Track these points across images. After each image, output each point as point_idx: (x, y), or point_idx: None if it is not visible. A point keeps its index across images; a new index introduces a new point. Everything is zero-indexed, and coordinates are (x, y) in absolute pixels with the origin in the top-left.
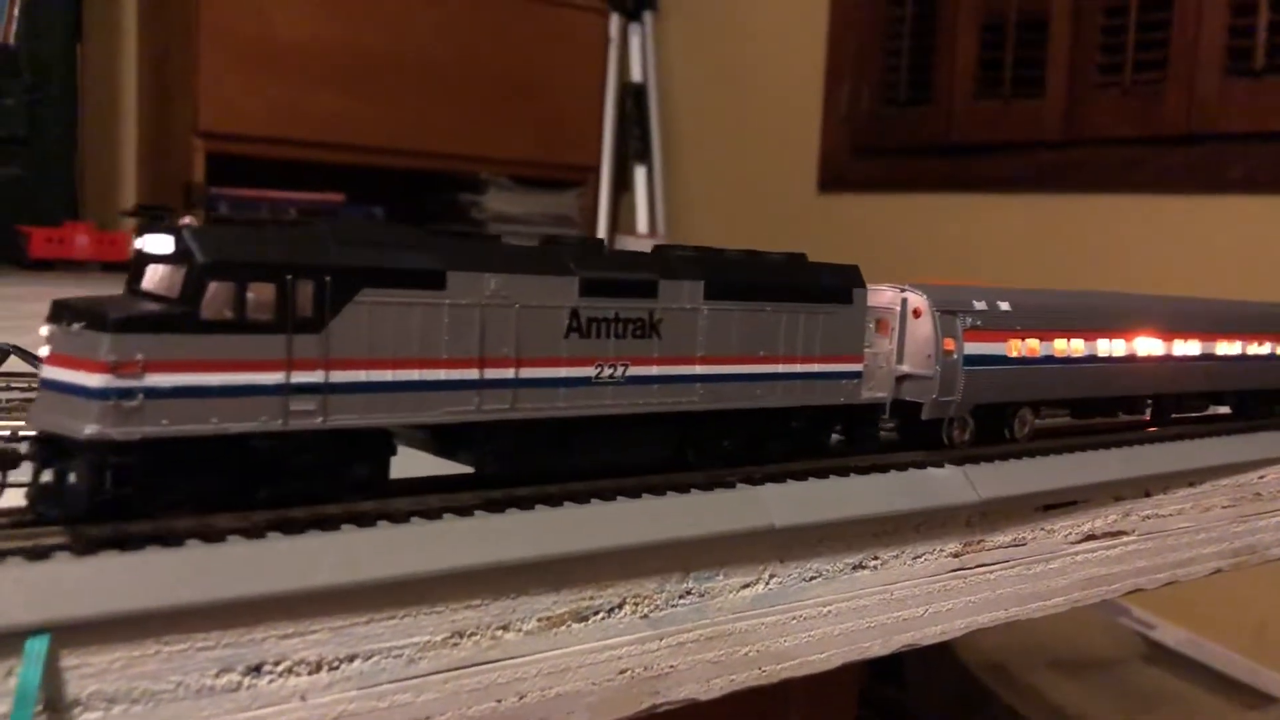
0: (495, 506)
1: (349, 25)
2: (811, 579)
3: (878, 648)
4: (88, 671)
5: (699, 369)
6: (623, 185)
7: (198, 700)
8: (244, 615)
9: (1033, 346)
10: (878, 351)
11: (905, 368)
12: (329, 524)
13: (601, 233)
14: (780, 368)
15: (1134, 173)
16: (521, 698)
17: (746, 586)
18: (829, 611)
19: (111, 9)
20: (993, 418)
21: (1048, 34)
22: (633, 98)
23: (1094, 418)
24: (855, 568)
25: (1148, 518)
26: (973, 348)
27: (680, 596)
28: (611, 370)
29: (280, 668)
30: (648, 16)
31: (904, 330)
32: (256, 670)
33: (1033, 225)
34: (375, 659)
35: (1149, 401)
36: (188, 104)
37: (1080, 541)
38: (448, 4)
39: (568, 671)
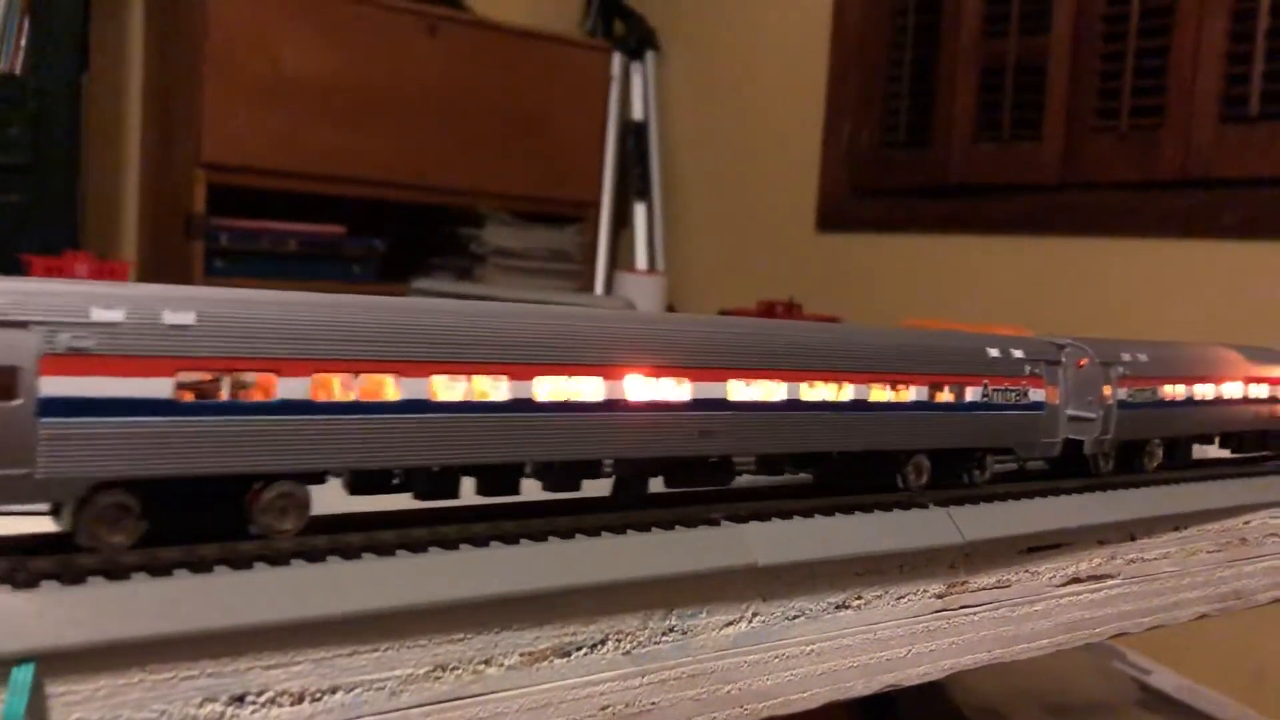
0: (479, 540)
1: (352, 60)
2: (794, 618)
3: (860, 687)
4: (72, 700)
5: None
6: (622, 222)
7: None
8: (228, 645)
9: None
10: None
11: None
12: (314, 556)
13: (600, 269)
14: None
15: (1130, 216)
16: None
17: (729, 624)
18: (812, 650)
19: (117, 40)
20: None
21: (1046, 79)
22: (634, 135)
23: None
24: (838, 607)
25: (1133, 561)
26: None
27: (663, 634)
28: None
29: (263, 698)
30: (650, 55)
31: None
32: (240, 700)
33: (1030, 267)
34: (357, 691)
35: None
36: (191, 135)
37: (1065, 584)
38: (451, 40)
39: (549, 707)
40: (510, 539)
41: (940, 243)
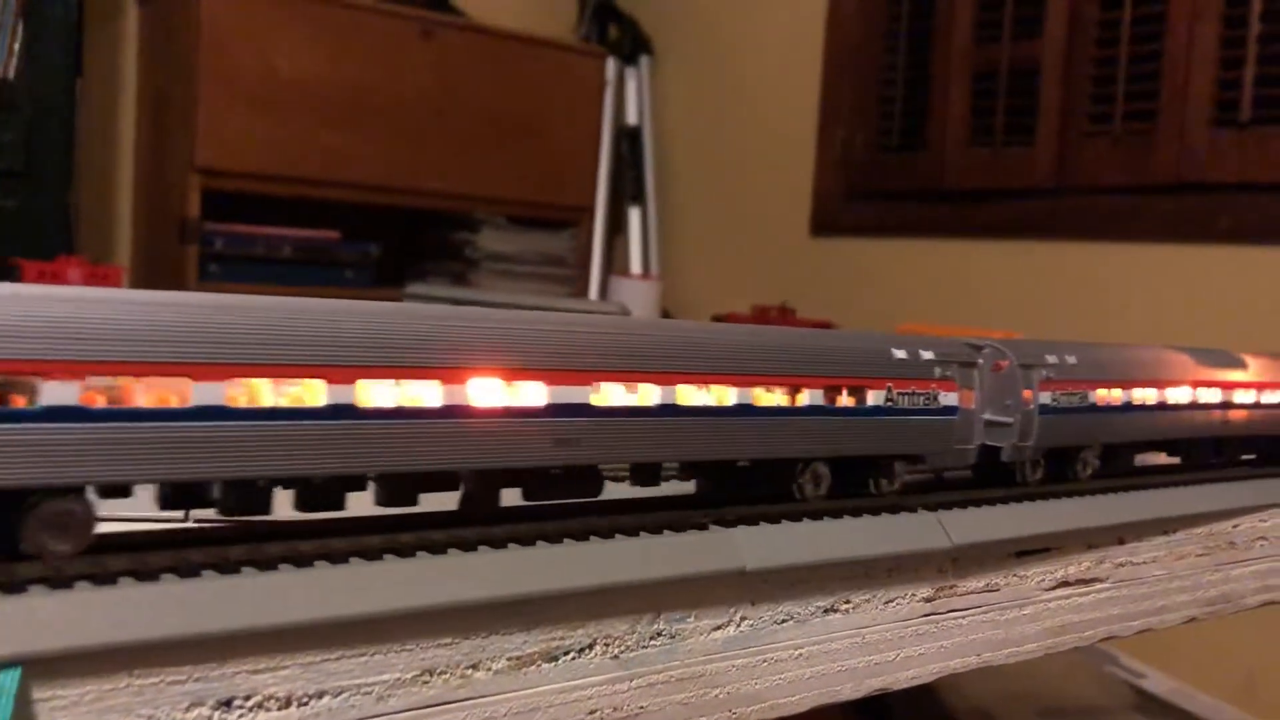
0: (467, 545)
1: (347, 65)
2: (783, 622)
3: (849, 691)
4: (58, 704)
5: None
6: (617, 226)
7: None
8: (215, 650)
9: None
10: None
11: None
12: (302, 560)
13: (595, 274)
14: None
15: (1123, 221)
16: None
17: (717, 628)
18: (800, 654)
19: (112, 44)
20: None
21: (1039, 83)
22: (628, 140)
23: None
24: (827, 611)
25: (1121, 565)
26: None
27: (651, 638)
28: None
29: (250, 703)
30: (644, 60)
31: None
32: (227, 705)
33: (1023, 272)
34: (345, 695)
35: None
36: (185, 140)
37: (1053, 588)
38: (445, 45)
39: (537, 711)
40: (498, 543)
41: (934, 247)
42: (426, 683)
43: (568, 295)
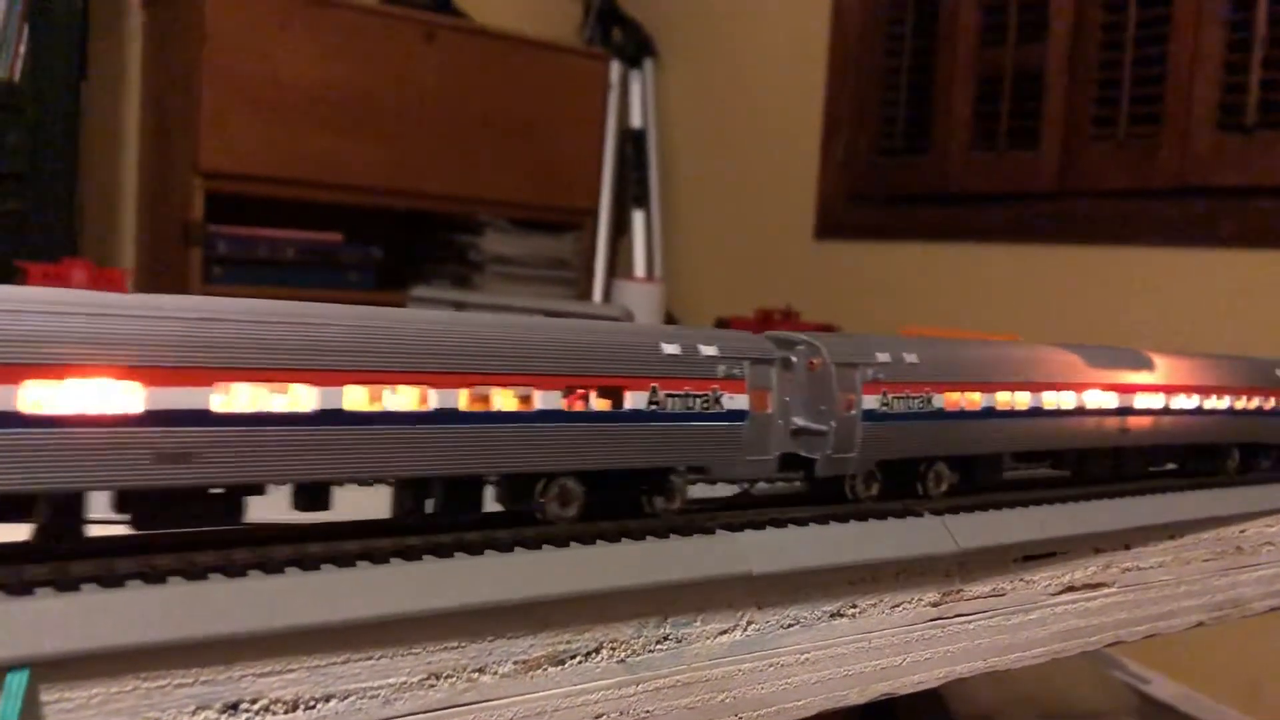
0: (473, 549)
1: (351, 67)
2: (789, 626)
3: (855, 696)
4: (66, 707)
5: None
6: (621, 229)
7: None
8: (222, 653)
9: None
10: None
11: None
12: (309, 563)
13: (599, 277)
14: None
15: (1127, 225)
16: None
17: (724, 633)
18: (806, 659)
19: (116, 48)
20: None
21: (1043, 87)
22: (632, 143)
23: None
24: (833, 616)
25: (1128, 570)
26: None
27: (657, 642)
28: None
29: (257, 706)
30: (648, 63)
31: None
32: (234, 708)
33: (1027, 275)
34: (351, 699)
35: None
36: (189, 143)
37: (1060, 593)
38: (449, 48)
39: (543, 715)
40: (504, 547)
41: (938, 250)
42: (433, 686)
43: (571, 298)
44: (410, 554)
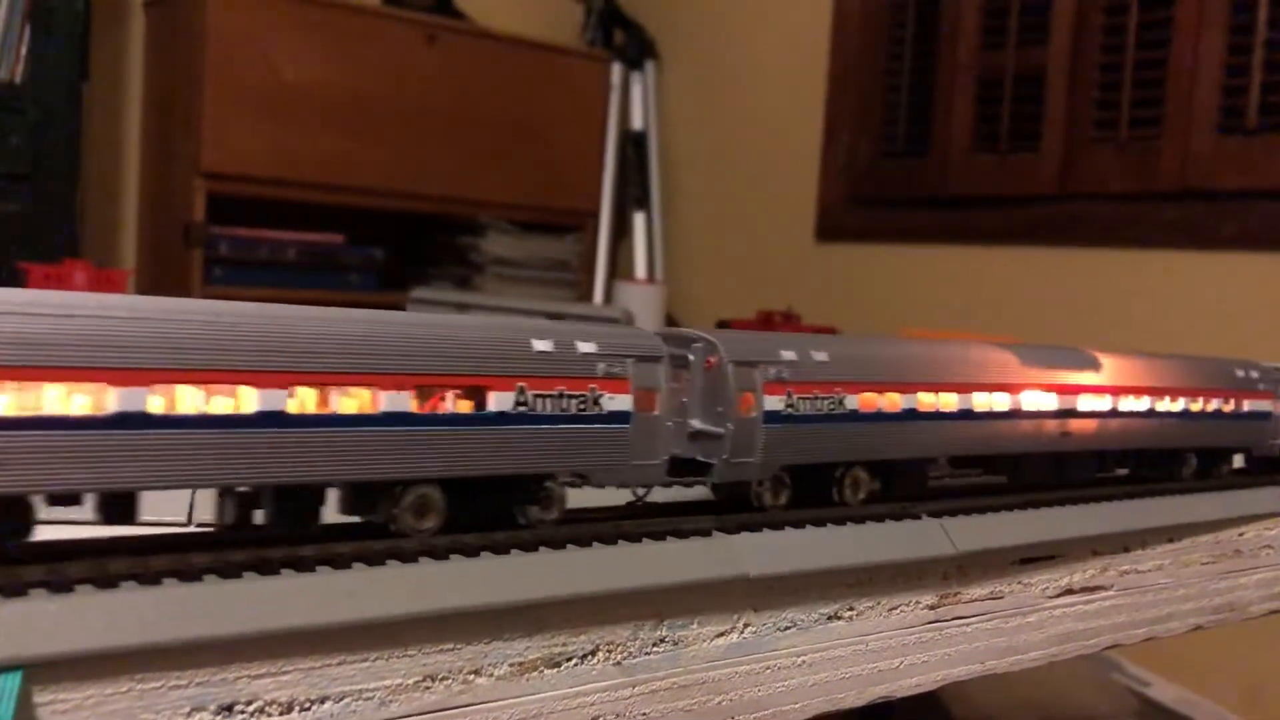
0: (470, 551)
1: (352, 69)
2: (786, 629)
3: (852, 698)
4: (60, 708)
5: None
6: (621, 231)
7: None
8: (217, 654)
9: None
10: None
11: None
12: (304, 565)
13: (599, 278)
14: None
15: (1128, 228)
16: None
17: (720, 635)
18: (803, 662)
19: (118, 49)
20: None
21: (1044, 90)
22: (633, 145)
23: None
24: (830, 618)
25: (1126, 573)
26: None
27: (654, 644)
28: None
29: (252, 708)
30: (649, 65)
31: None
32: (229, 710)
33: (1028, 278)
34: (346, 701)
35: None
36: (190, 144)
37: (1058, 596)
38: (451, 50)
39: (539, 718)
40: (500, 549)
41: (939, 253)
42: (428, 688)
43: (572, 300)
44: (405, 556)
